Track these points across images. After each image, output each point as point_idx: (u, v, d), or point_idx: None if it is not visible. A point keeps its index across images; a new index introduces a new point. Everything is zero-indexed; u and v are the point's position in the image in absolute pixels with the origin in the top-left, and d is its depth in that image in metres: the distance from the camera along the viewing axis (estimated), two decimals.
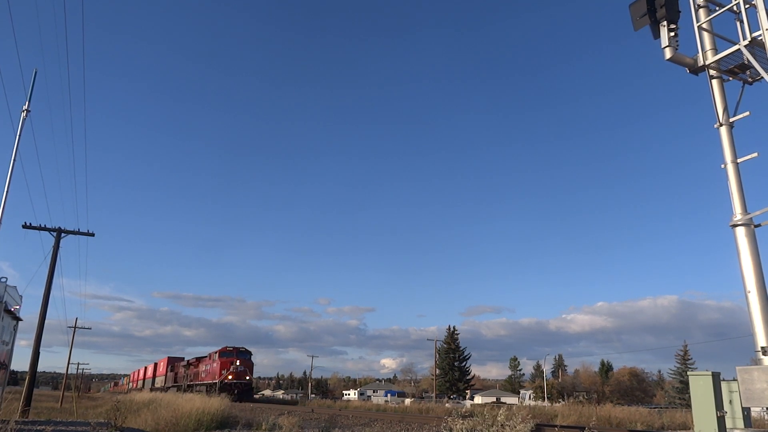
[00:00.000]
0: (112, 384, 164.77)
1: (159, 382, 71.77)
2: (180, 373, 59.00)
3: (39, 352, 25.52)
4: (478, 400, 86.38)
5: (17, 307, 24.00)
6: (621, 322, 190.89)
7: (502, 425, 9.15)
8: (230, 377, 41.68)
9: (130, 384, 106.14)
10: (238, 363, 42.43)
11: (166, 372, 66.55)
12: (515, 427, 9.04)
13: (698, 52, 8.72)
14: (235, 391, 39.47)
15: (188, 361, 56.38)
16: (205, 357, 49.66)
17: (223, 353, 43.50)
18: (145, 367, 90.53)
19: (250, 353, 45.16)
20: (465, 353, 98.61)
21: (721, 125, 8.30)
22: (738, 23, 8.58)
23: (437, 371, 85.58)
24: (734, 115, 8.33)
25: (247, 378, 43.19)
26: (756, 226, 7.83)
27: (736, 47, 8.27)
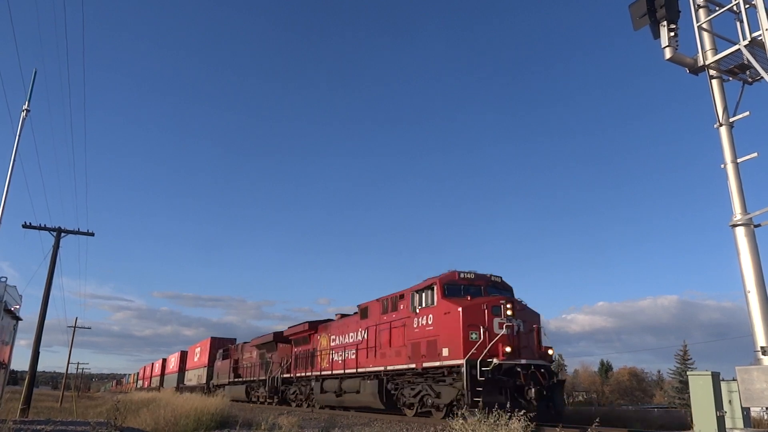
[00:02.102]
0: (114, 383, 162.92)
1: (194, 377, 50.94)
2: (250, 359, 35.27)
3: (39, 352, 25.53)
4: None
5: (17, 306, 24.03)
6: (621, 322, 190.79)
7: (496, 423, 9.15)
8: (507, 349, 14.84)
9: (140, 382, 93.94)
10: (508, 310, 15.52)
11: (211, 361, 45.57)
12: (514, 426, 9.04)
13: (698, 52, 8.71)
14: (531, 391, 14.52)
15: (281, 335, 29.94)
16: (348, 316, 23.46)
17: (452, 287, 16.86)
18: (164, 360, 71.60)
19: (510, 289, 18.05)
20: None
21: (721, 125, 8.29)
22: (738, 23, 8.56)
23: None
24: (734, 115, 8.33)
25: (550, 351, 16.55)
26: (756, 226, 7.82)
27: (736, 47, 8.26)
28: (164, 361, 71.53)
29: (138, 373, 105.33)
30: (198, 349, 51.73)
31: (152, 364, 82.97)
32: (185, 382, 55.09)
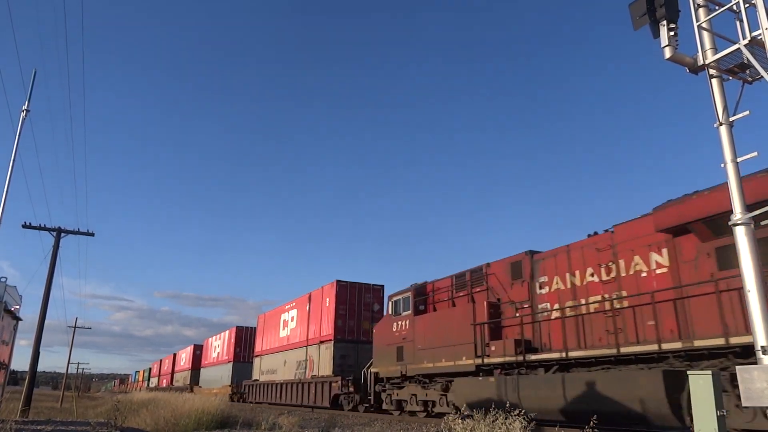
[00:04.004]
0: (117, 382, 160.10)
1: (286, 365, 27.98)
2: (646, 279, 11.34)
3: (39, 352, 25.53)
4: None
5: (17, 306, 24.04)
6: None
7: (493, 422, 9.15)
8: None
9: (153, 381, 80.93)
10: None
11: (344, 330, 24.03)
12: (513, 425, 9.04)
13: (698, 52, 8.70)
14: None
15: None
16: None
17: None
18: (195, 347, 49.93)
19: None
20: None
21: (720, 124, 8.28)
22: (738, 22, 8.56)
23: None
24: (734, 114, 8.32)
25: None
26: (756, 226, 7.82)
27: (735, 46, 8.25)
28: (196, 348, 50.11)
29: (150, 369, 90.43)
30: (291, 315, 27.17)
31: (174, 355, 62.51)
32: (260, 376, 31.73)
